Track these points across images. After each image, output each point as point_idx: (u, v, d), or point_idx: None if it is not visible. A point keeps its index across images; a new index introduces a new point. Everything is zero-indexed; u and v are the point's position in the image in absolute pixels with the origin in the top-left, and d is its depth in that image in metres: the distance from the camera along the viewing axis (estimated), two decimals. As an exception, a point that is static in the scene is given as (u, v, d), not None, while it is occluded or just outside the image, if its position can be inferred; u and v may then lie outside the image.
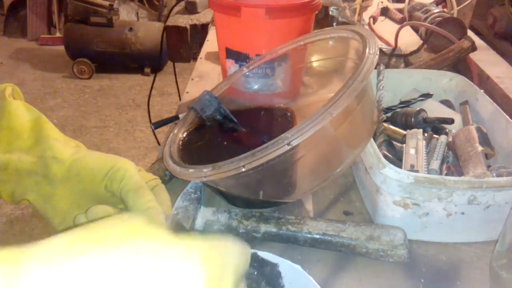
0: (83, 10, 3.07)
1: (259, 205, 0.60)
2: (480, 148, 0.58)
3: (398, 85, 0.77)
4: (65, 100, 2.99)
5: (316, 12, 0.77)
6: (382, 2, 1.46)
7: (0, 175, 0.46)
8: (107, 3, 3.13)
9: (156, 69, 2.48)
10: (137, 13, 3.80)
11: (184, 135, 0.65)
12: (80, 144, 0.50)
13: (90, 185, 0.45)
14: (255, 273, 0.45)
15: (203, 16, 1.96)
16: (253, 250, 0.46)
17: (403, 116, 0.70)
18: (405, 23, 1.16)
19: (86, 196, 0.46)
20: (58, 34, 3.77)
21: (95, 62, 3.23)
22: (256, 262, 0.45)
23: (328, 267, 0.52)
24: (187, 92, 0.97)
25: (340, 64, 0.69)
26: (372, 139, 0.57)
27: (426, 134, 0.65)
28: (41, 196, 0.46)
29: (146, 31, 3.14)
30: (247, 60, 0.76)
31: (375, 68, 0.58)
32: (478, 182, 0.49)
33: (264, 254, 0.44)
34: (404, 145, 0.63)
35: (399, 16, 1.38)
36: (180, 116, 0.76)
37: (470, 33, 1.13)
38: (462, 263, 0.53)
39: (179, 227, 0.48)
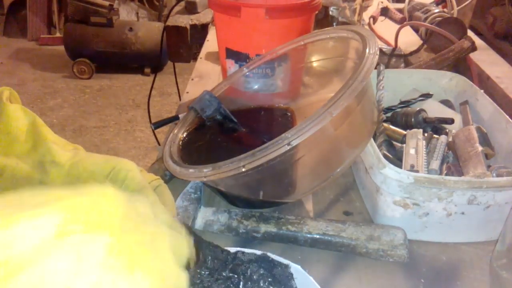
0: (83, 10, 3.07)
1: (259, 205, 0.60)
2: (480, 148, 0.57)
3: (398, 85, 0.77)
4: (65, 100, 2.99)
5: (316, 12, 0.77)
6: (382, 2, 1.46)
7: None
8: (107, 3, 3.13)
9: (156, 69, 2.48)
10: (137, 13, 3.80)
11: (184, 135, 0.65)
12: (78, 147, 0.50)
13: None
14: (262, 272, 0.44)
15: (203, 16, 1.96)
16: (263, 252, 0.45)
17: (403, 116, 0.70)
18: (405, 23, 1.16)
19: None
20: (58, 34, 3.77)
21: (95, 62, 3.23)
22: (266, 264, 0.44)
23: (328, 267, 0.52)
24: (187, 92, 0.97)
25: (340, 64, 0.69)
26: (372, 139, 0.57)
27: (426, 134, 0.65)
28: None
29: (146, 31, 3.14)
30: (247, 60, 0.76)
31: (375, 68, 0.58)
32: (478, 182, 0.49)
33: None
34: (404, 145, 0.63)
35: (399, 16, 1.38)
36: (180, 116, 0.76)
37: (470, 33, 1.13)
38: (462, 263, 0.53)
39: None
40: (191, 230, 0.46)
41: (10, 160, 0.46)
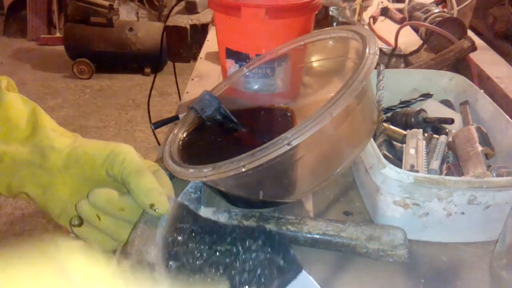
0: (83, 10, 3.08)
1: (259, 205, 0.60)
2: (480, 148, 0.58)
3: (398, 85, 0.77)
4: (65, 100, 2.99)
5: (316, 12, 0.77)
6: (382, 2, 1.46)
7: None
8: (107, 3, 3.13)
9: (156, 69, 2.48)
10: (137, 13, 3.80)
11: (184, 135, 0.65)
12: (77, 135, 0.49)
13: (90, 171, 0.45)
14: (260, 243, 0.45)
15: (203, 16, 1.96)
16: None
17: (403, 116, 0.70)
18: (405, 23, 1.16)
19: (87, 183, 0.45)
20: (58, 34, 3.77)
21: (95, 62, 3.23)
22: (264, 235, 0.45)
23: (328, 267, 0.52)
24: (187, 92, 0.97)
25: (340, 64, 0.69)
26: (372, 139, 0.57)
27: (426, 134, 0.65)
28: (39, 186, 0.45)
29: (146, 31, 3.14)
30: (247, 60, 0.76)
31: (375, 68, 0.58)
32: (478, 182, 0.49)
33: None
34: (404, 145, 0.63)
35: (399, 16, 1.38)
36: (180, 116, 0.76)
37: (470, 33, 1.13)
38: (462, 263, 0.53)
39: (183, 209, 0.47)
40: (187, 207, 0.47)
41: (9, 146, 0.45)
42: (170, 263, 0.42)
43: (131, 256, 0.40)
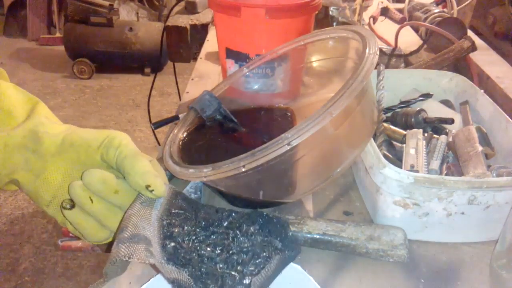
0: (83, 10, 3.08)
1: (259, 205, 0.60)
2: (480, 148, 0.57)
3: (398, 85, 0.77)
4: (65, 100, 2.99)
5: (316, 12, 0.77)
6: (382, 2, 1.46)
7: None
8: (107, 3, 3.13)
9: (156, 69, 2.47)
10: (137, 13, 3.80)
11: (184, 135, 0.65)
12: (72, 125, 0.49)
13: (85, 155, 0.44)
14: (258, 227, 0.45)
15: (203, 16, 1.96)
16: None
17: (403, 116, 0.70)
18: (405, 23, 1.16)
19: (80, 168, 0.44)
20: (58, 34, 3.78)
21: (95, 62, 3.23)
22: (261, 219, 0.45)
23: (328, 267, 0.52)
24: (187, 92, 0.97)
25: (340, 64, 0.69)
26: (372, 139, 0.57)
27: (426, 134, 0.65)
28: (31, 172, 0.44)
29: (146, 31, 3.14)
30: (247, 60, 0.76)
31: (375, 68, 0.58)
32: (478, 182, 0.49)
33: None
34: (404, 145, 0.63)
35: (399, 16, 1.38)
36: (180, 116, 0.76)
37: (470, 33, 1.13)
38: (462, 263, 0.53)
39: (179, 196, 0.46)
40: (183, 194, 0.47)
41: (2, 133, 0.45)
42: (166, 242, 0.42)
43: (127, 229, 0.39)
